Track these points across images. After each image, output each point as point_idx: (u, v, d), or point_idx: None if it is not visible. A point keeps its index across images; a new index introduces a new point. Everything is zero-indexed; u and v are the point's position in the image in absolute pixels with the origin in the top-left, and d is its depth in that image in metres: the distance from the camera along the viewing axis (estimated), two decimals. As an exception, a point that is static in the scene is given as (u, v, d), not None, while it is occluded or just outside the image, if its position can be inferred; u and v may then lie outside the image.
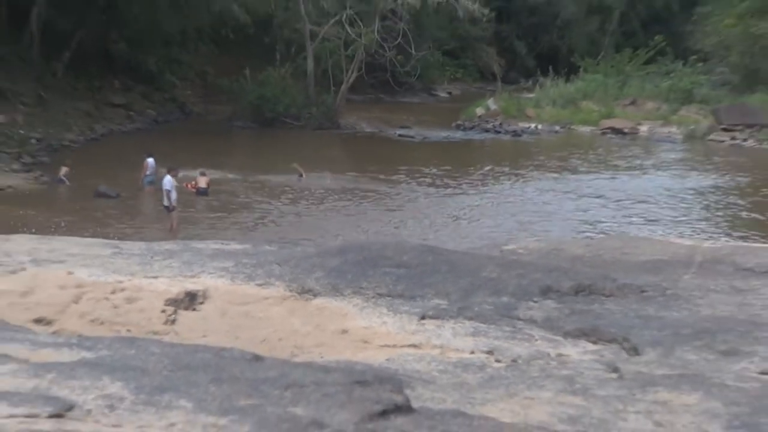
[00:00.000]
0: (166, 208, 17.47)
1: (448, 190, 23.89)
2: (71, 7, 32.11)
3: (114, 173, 22.10)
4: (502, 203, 22.54)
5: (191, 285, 3.49)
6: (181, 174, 19.01)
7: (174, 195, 17.40)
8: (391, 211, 20.60)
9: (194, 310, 3.33)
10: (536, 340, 3.00)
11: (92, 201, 19.89)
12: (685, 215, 21.48)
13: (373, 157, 28.77)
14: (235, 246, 4.45)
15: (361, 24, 35.42)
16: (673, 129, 36.69)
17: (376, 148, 31.74)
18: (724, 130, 34.71)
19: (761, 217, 21.03)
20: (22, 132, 25.78)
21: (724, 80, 44.43)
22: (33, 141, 25.83)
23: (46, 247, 4.15)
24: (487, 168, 27.48)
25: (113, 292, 3.40)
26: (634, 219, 20.49)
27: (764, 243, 13.84)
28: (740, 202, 23.20)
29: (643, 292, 3.48)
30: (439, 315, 3.23)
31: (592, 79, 43.57)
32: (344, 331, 3.13)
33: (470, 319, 3.18)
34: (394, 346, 2.96)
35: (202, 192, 20.48)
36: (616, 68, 45.36)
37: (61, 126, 28.29)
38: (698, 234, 18.97)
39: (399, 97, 43.96)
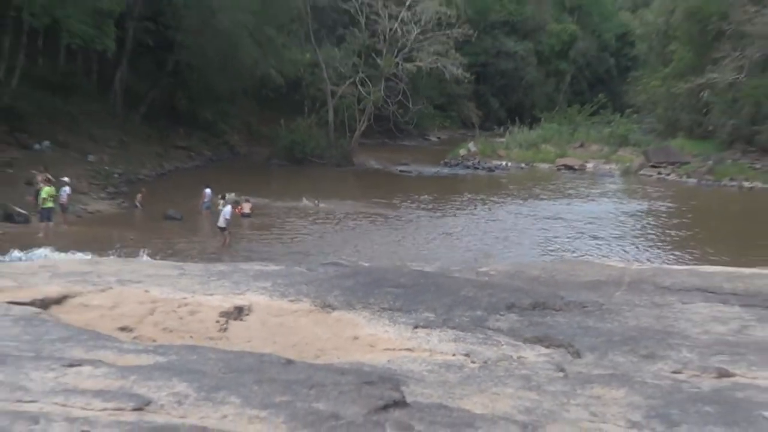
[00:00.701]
0: (221, 228, 17.52)
1: (438, 213, 23.90)
2: (146, 73, 32.73)
3: (178, 200, 22.18)
4: (480, 223, 22.51)
5: (239, 301, 3.52)
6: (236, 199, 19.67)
7: (230, 220, 17.53)
8: (394, 230, 20.59)
9: (241, 320, 3.35)
10: (502, 345, 3.01)
11: (162, 222, 19.93)
12: (623, 232, 21.48)
13: (380, 187, 28.81)
14: (273, 267, 4.47)
15: (370, 84, 35.74)
16: (613, 166, 36.78)
17: (382, 181, 31.79)
18: (652, 166, 34.79)
19: (681, 233, 21.10)
20: (107, 168, 25.90)
21: (651, 128, 44.66)
22: (116, 175, 25.95)
23: (128, 269, 4.18)
24: (468, 196, 27.47)
25: (179, 306, 3.42)
26: (584, 235, 20.45)
27: (679, 265, 13.79)
28: (666, 221, 23.23)
29: (584, 307, 3.49)
30: (428, 325, 3.25)
31: (549, 127, 43.71)
32: (356, 338, 3.15)
33: (452, 328, 3.20)
34: (394, 349, 2.98)
35: (246, 215, 20.53)
36: (568, 119, 45.61)
37: (138, 163, 28.39)
38: (635, 246, 18.99)
39: (399, 141, 43.93)
